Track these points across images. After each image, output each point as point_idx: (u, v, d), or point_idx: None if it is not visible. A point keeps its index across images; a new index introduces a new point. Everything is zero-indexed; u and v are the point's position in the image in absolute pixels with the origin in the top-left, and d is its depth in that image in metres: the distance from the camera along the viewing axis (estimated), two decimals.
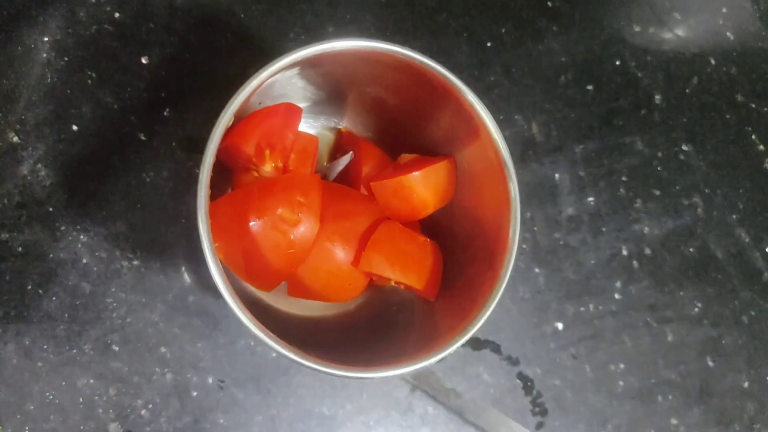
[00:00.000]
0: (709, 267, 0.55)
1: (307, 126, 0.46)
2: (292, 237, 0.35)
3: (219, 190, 0.41)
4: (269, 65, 0.33)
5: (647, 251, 0.54)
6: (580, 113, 0.54)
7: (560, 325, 0.51)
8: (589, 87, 0.55)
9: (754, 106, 0.58)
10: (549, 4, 0.55)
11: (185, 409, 0.44)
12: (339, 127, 0.46)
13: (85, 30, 0.46)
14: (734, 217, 0.56)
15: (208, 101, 0.47)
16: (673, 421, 0.52)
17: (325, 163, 0.46)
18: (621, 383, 0.51)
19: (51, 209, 0.44)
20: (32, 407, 0.42)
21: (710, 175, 0.56)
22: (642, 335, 0.52)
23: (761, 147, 0.58)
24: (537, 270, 0.51)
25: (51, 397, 0.42)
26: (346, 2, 0.50)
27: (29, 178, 0.44)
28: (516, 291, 0.50)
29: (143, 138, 0.46)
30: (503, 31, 0.53)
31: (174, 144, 0.46)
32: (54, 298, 0.43)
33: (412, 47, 0.35)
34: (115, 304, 0.44)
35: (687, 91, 0.57)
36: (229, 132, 0.34)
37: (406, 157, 0.43)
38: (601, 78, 0.55)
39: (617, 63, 0.56)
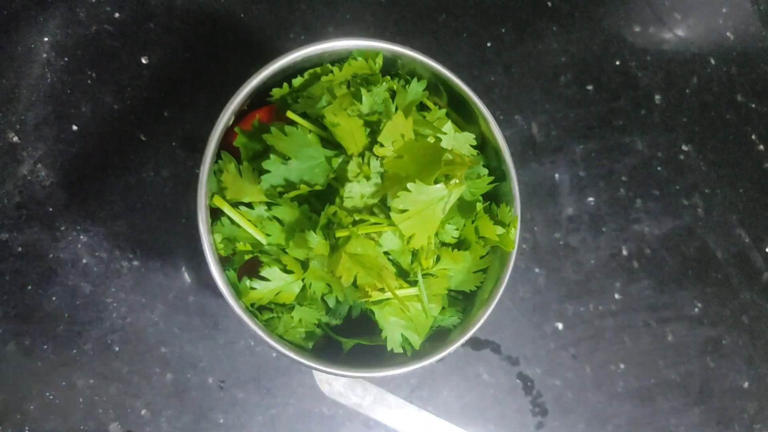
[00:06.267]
0: (709, 267, 0.55)
1: None
2: None
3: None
4: (269, 65, 0.33)
5: (647, 251, 0.54)
6: (580, 113, 0.54)
7: (560, 325, 0.51)
8: (589, 87, 0.55)
9: (754, 106, 0.58)
10: (549, 4, 0.55)
11: (185, 409, 0.44)
12: None
13: (85, 30, 0.46)
14: (734, 217, 0.56)
15: (207, 101, 0.47)
16: (673, 421, 0.52)
17: None
18: (621, 383, 0.51)
19: (51, 209, 0.44)
20: (32, 407, 0.42)
21: (710, 175, 0.56)
22: (642, 335, 0.52)
23: (761, 147, 0.58)
24: (537, 270, 0.51)
25: (51, 397, 0.42)
26: (346, 2, 0.50)
27: (29, 178, 0.44)
28: (516, 291, 0.50)
29: (143, 138, 0.46)
30: (503, 31, 0.53)
31: (174, 144, 0.46)
32: (54, 298, 0.43)
33: (412, 47, 0.35)
34: (115, 304, 0.44)
35: (687, 91, 0.57)
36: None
37: None
38: (601, 78, 0.55)
39: (617, 63, 0.56)
